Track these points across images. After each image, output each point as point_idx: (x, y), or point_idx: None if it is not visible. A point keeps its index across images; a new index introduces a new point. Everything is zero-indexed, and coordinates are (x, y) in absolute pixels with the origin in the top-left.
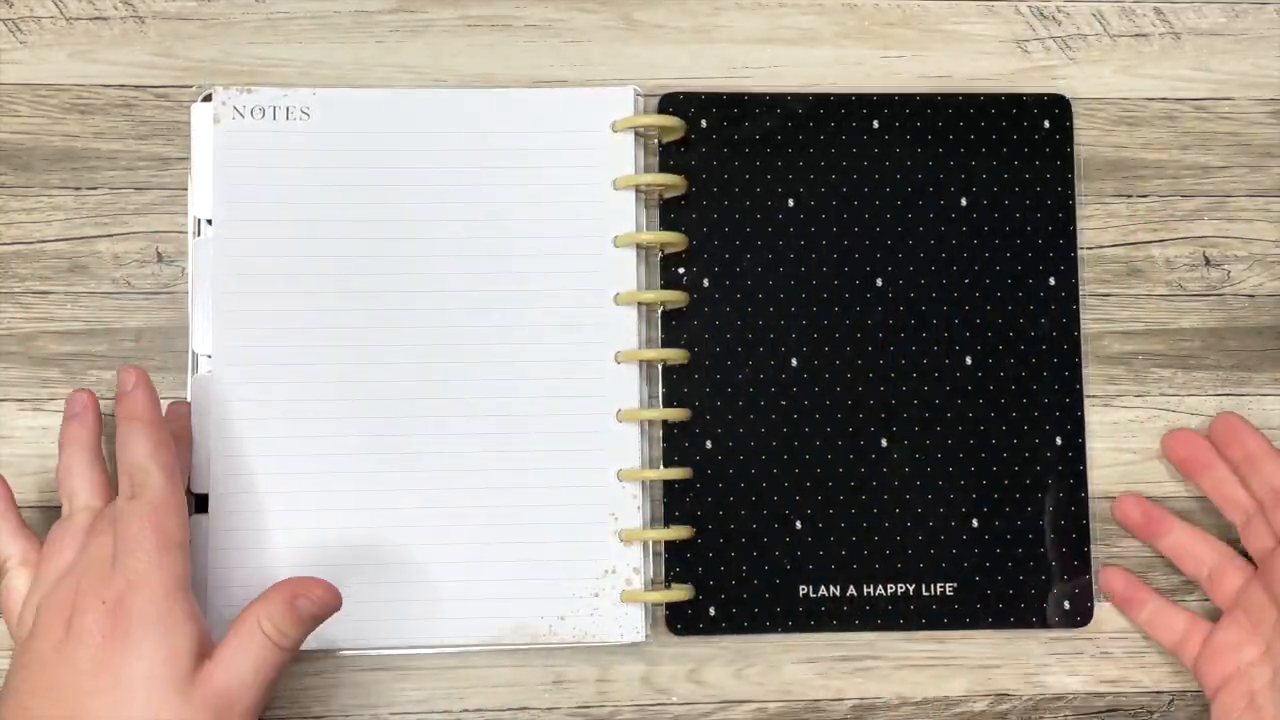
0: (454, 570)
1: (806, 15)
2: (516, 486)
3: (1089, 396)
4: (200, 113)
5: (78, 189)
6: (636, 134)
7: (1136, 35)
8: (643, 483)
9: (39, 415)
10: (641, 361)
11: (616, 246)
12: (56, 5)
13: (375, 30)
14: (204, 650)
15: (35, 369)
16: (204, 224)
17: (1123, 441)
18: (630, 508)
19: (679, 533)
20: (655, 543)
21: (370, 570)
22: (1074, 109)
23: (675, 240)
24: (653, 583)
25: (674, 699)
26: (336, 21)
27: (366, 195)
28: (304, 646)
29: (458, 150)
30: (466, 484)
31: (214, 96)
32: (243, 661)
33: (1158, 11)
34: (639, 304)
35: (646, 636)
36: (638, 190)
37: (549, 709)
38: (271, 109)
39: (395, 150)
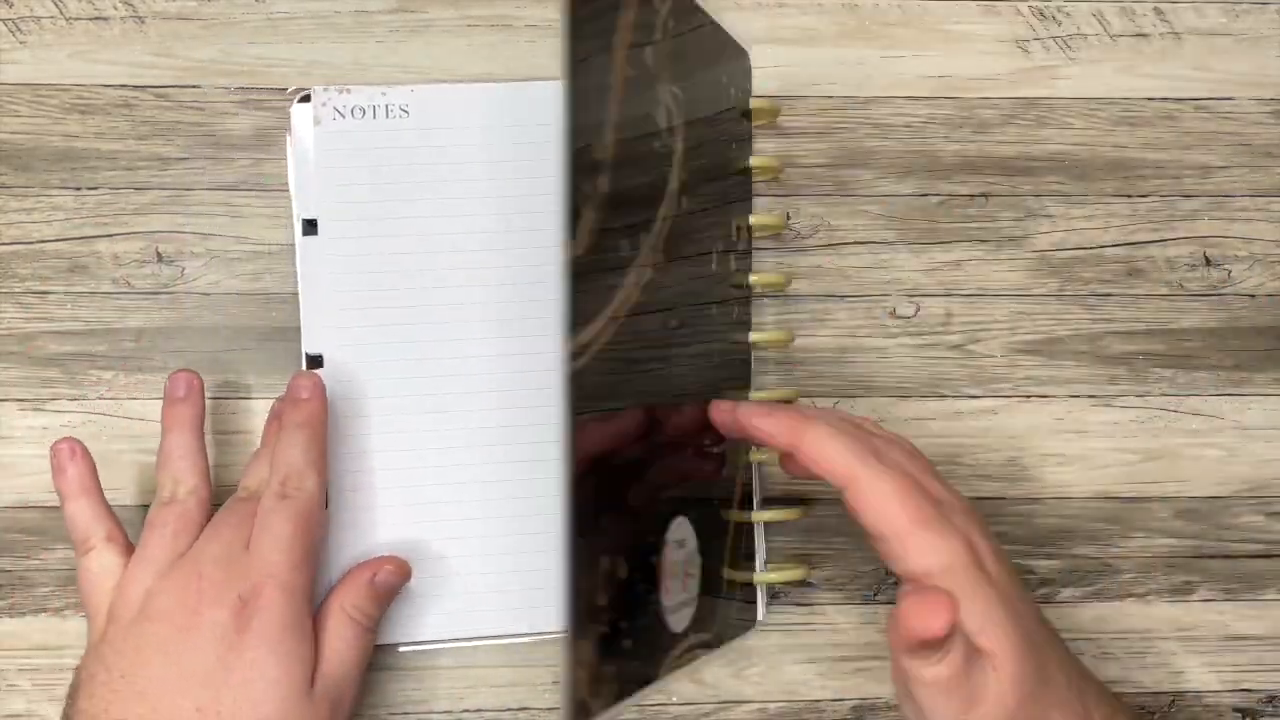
0: (521, 561)
1: (806, 15)
2: None
3: (1090, 397)
4: (300, 114)
5: (78, 189)
6: None
7: (1137, 35)
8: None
9: (39, 415)
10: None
11: None
12: (56, 5)
13: (375, 30)
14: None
15: (35, 369)
16: (307, 225)
17: (1123, 441)
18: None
19: (785, 513)
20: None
21: (448, 563)
22: (1074, 109)
23: (774, 223)
24: (766, 564)
25: (674, 699)
26: (336, 21)
27: (467, 189)
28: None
29: (549, 142)
30: (552, 474)
31: (313, 97)
32: (343, 651)
33: (1158, 11)
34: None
35: (763, 617)
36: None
37: (549, 709)
38: (371, 108)
39: (493, 144)
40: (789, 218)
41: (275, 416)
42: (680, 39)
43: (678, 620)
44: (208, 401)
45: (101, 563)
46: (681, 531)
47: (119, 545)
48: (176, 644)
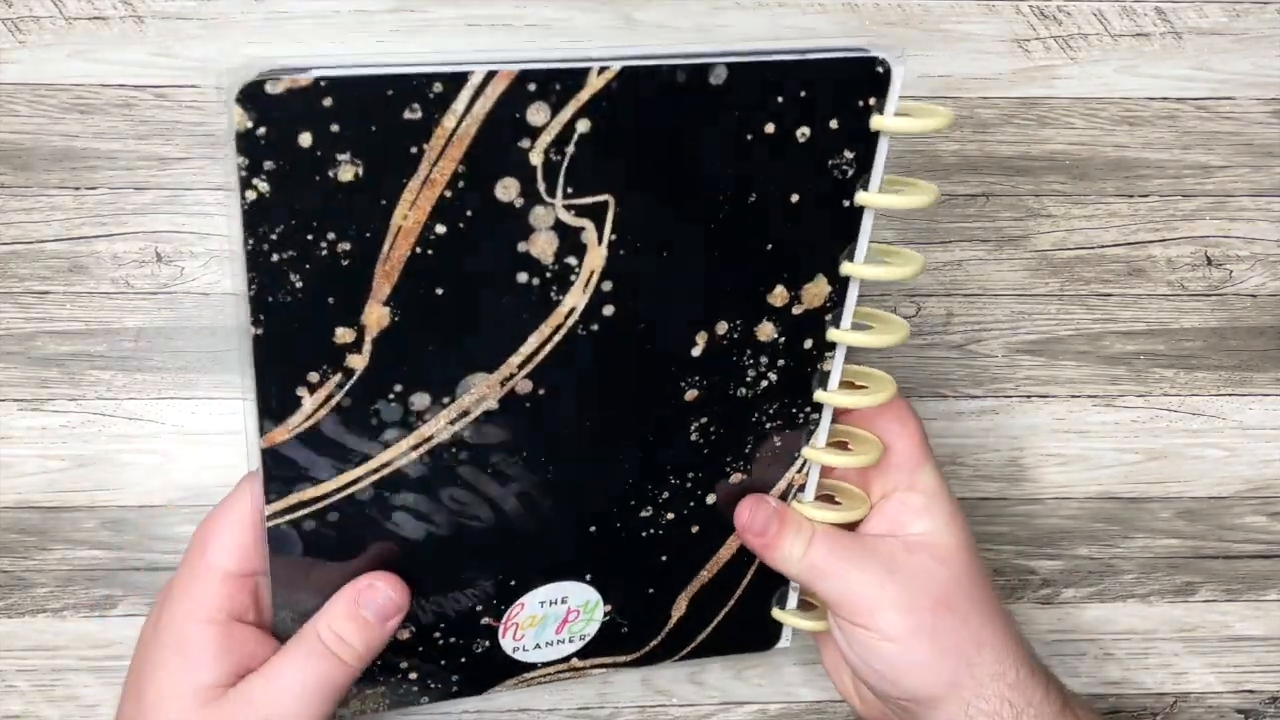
0: None
1: (806, 15)
2: None
3: (1091, 397)
4: None
5: (77, 189)
6: None
7: (1137, 35)
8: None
9: (39, 415)
10: None
11: None
12: (56, 5)
13: (375, 30)
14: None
15: (35, 369)
16: None
17: (1124, 442)
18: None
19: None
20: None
21: None
22: (1074, 109)
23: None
24: None
25: (674, 700)
26: (337, 21)
27: None
28: None
29: None
30: None
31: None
32: (292, 674)
33: (1159, 11)
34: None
35: (788, 642)
36: None
37: (549, 709)
38: None
39: None
40: None
41: None
42: None
43: (539, 654)
44: (206, 401)
45: None
46: (560, 592)
47: None
48: None
